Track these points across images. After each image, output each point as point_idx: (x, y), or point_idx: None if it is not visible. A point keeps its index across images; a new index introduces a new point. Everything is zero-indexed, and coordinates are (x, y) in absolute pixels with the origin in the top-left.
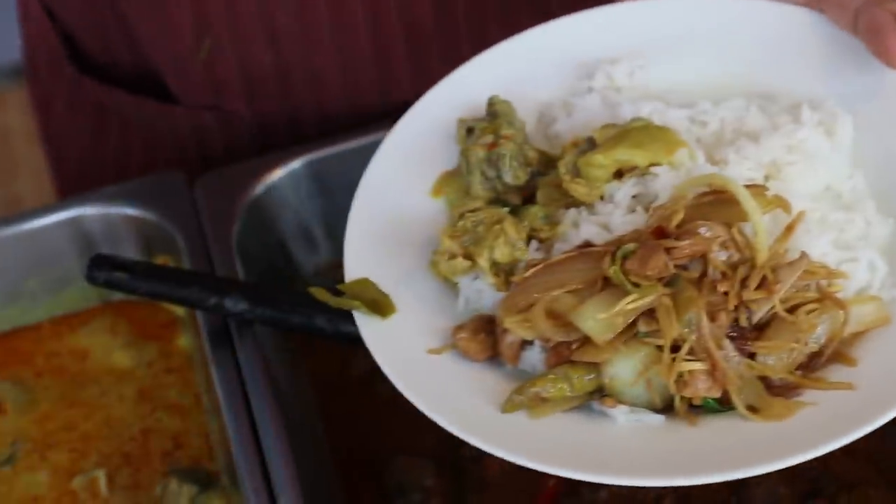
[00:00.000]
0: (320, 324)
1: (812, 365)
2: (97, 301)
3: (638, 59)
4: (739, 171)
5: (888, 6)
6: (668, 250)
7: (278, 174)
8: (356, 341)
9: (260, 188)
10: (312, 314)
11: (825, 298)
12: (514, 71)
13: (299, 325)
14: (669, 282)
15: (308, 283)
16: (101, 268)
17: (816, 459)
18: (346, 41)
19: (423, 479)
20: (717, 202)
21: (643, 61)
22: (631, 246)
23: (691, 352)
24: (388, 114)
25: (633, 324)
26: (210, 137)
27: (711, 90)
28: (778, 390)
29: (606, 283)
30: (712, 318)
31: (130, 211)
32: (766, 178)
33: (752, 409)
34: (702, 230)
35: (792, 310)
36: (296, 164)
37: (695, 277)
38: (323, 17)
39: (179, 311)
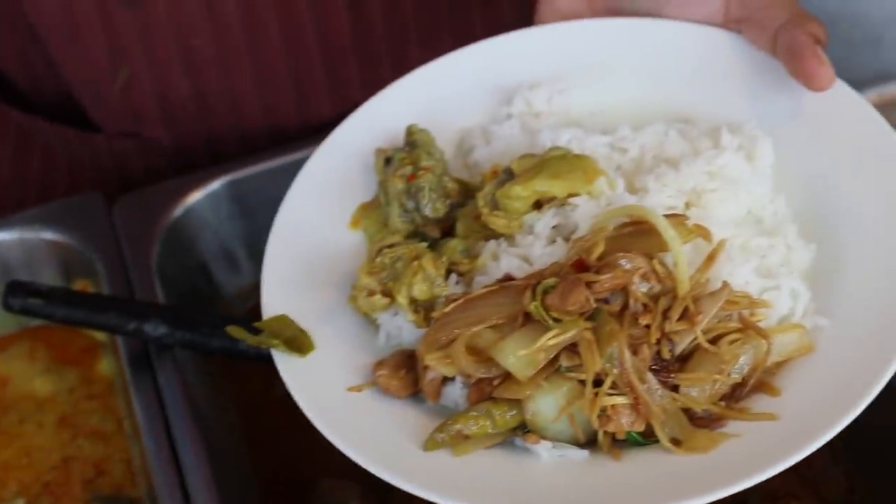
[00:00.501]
0: (242, 346)
1: (736, 395)
2: (15, 327)
3: (558, 84)
4: (660, 199)
5: (807, 28)
6: (588, 284)
7: (197, 195)
8: None
9: (179, 210)
10: (233, 337)
11: (748, 328)
12: (433, 96)
13: (220, 349)
14: (591, 316)
15: (230, 305)
16: (17, 294)
17: None
18: (262, 62)
19: (348, 500)
20: (638, 233)
21: (563, 86)
22: (551, 281)
23: (614, 386)
24: (308, 132)
25: (555, 359)
26: (130, 163)
27: (632, 114)
28: (702, 422)
29: (527, 317)
30: (634, 351)
31: (48, 235)
32: (687, 205)
33: (676, 441)
34: (622, 262)
35: (714, 340)
36: (215, 184)
37: (616, 311)
38: (238, 39)
39: (100, 335)
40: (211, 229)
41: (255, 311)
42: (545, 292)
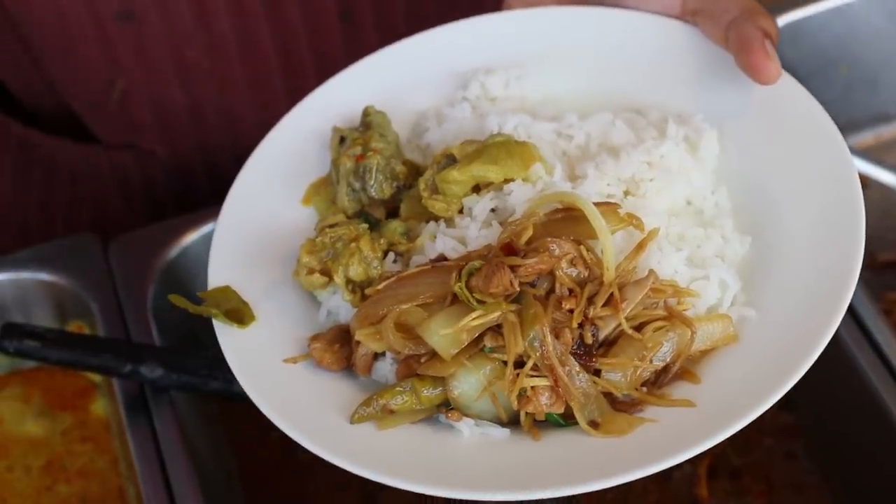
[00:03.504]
0: (238, 389)
1: (659, 381)
2: (8, 368)
3: (514, 70)
4: (598, 186)
5: (758, 22)
6: (513, 268)
7: (193, 236)
8: None
9: (174, 250)
10: (230, 379)
11: (673, 316)
12: (393, 78)
13: (217, 391)
14: (516, 298)
15: None
16: (12, 336)
17: None
18: (256, 73)
19: None
20: (568, 219)
21: (519, 72)
22: (476, 263)
23: (535, 368)
24: None
25: (480, 339)
26: (129, 176)
27: (586, 102)
28: (623, 406)
29: (455, 298)
30: (557, 334)
31: (42, 276)
32: (626, 193)
33: (594, 424)
34: (551, 247)
35: (640, 327)
36: (210, 225)
37: (542, 294)
38: (232, 50)
39: (95, 377)
40: (206, 270)
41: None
42: (470, 274)
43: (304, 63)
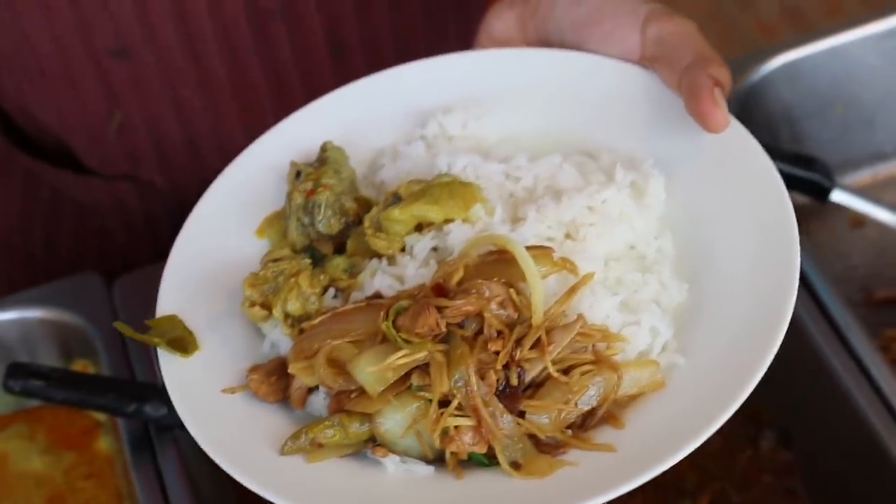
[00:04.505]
0: None
1: (585, 425)
2: (13, 406)
3: (473, 109)
4: (538, 229)
5: (709, 70)
6: (441, 309)
7: None
8: None
9: None
10: None
11: (600, 361)
12: (355, 116)
13: None
14: (445, 338)
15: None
16: (17, 376)
17: None
18: (249, 110)
19: None
20: (501, 261)
21: (478, 111)
22: (404, 303)
23: (460, 407)
24: None
25: (407, 377)
26: (130, 208)
27: (542, 143)
28: (546, 448)
29: (385, 336)
30: (482, 375)
31: (47, 314)
32: (567, 236)
33: (516, 465)
34: (481, 289)
35: (567, 370)
36: None
37: (470, 335)
38: (225, 85)
39: (100, 415)
40: None
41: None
42: (398, 313)
43: (295, 97)
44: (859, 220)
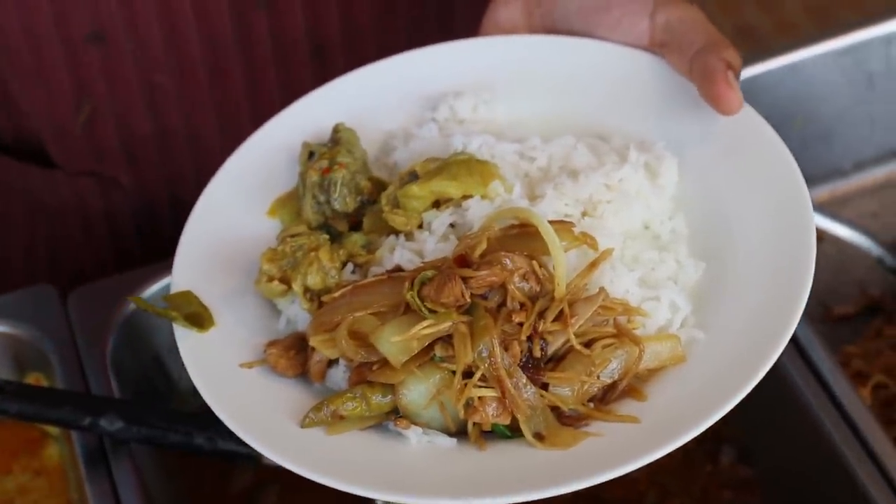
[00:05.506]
0: (199, 442)
1: (606, 398)
2: None
3: (483, 94)
4: (556, 206)
5: (721, 54)
6: (466, 279)
7: (153, 288)
8: (235, 458)
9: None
10: (191, 432)
11: (622, 334)
12: (364, 100)
13: (177, 444)
14: (468, 310)
15: (184, 399)
16: None
17: None
18: (225, 101)
19: None
20: (523, 235)
21: (488, 96)
22: (429, 273)
23: (483, 379)
24: None
25: (430, 348)
26: (91, 204)
27: (552, 127)
28: (568, 420)
29: (408, 307)
30: (506, 346)
31: (0, 328)
32: (584, 214)
33: (539, 436)
34: (504, 261)
35: (589, 343)
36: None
37: (493, 307)
38: (201, 74)
39: (51, 429)
40: (167, 323)
41: None
42: (423, 283)
43: (272, 94)
44: (818, 236)
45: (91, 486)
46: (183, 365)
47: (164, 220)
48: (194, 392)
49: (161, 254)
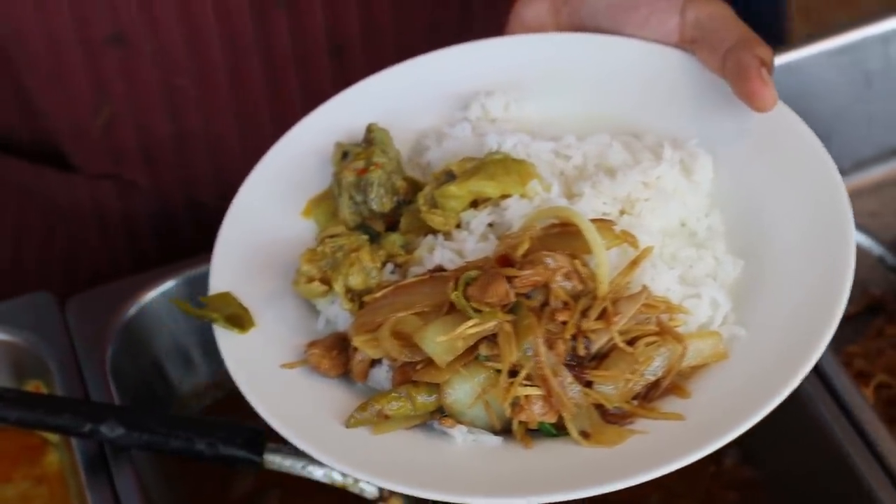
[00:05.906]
0: (199, 447)
1: (649, 395)
2: None
3: (514, 93)
4: (594, 204)
5: (755, 50)
6: (510, 279)
7: (152, 294)
8: (236, 464)
9: (133, 309)
10: (191, 438)
11: (664, 332)
12: (395, 101)
13: (178, 450)
14: (512, 309)
15: (185, 405)
16: None
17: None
18: (245, 106)
19: None
20: (564, 234)
21: (519, 94)
22: (473, 273)
23: (529, 378)
24: None
25: (475, 347)
26: (109, 207)
27: (582, 125)
28: (613, 418)
29: (452, 307)
30: (550, 345)
31: None
32: (621, 212)
33: (585, 434)
34: (547, 260)
35: (632, 342)
36: (170, 283)
37: (537, 306)
38: (223, 81)
39: (51, 436)
40: (166, 328)
41: (211, 410)
42: (467, 283)
43: (292, 95)
44: None
45: (92, 493)
46: (182, 370)
47: (181, 222)
48: (193, 397)
49: (178, 256)
